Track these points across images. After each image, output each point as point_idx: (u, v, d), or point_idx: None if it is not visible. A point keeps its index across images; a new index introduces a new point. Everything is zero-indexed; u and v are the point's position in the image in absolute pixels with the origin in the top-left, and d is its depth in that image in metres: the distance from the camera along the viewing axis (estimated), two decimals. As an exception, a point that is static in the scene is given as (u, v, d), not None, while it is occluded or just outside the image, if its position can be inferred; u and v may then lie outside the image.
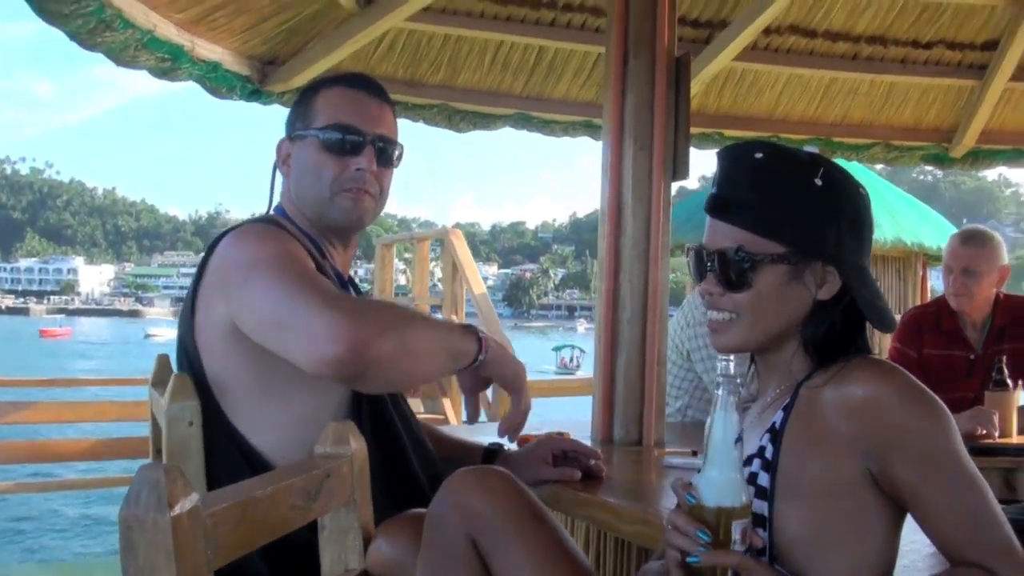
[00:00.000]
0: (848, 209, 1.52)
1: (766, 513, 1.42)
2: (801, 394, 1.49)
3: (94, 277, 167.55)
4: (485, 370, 1.91)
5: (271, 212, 2.14)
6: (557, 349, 51.53)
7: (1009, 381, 3.43)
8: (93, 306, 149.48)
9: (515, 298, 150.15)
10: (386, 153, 2.09)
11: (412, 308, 1.98)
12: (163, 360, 2.32)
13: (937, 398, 1.42)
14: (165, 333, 70.82)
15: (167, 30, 3.50)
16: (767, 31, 4.81)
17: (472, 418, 2.09)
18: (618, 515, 2.04)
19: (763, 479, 1.44)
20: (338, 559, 1.57)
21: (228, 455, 1.86)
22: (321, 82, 2.15)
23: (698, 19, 4.72)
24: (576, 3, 4.56)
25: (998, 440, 3.29)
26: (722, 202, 1.52)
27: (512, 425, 2.00)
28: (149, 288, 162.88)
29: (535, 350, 47.45)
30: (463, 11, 4.48)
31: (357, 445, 1.60)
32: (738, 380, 1.36)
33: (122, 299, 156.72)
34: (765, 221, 1.50)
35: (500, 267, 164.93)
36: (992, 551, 1.37)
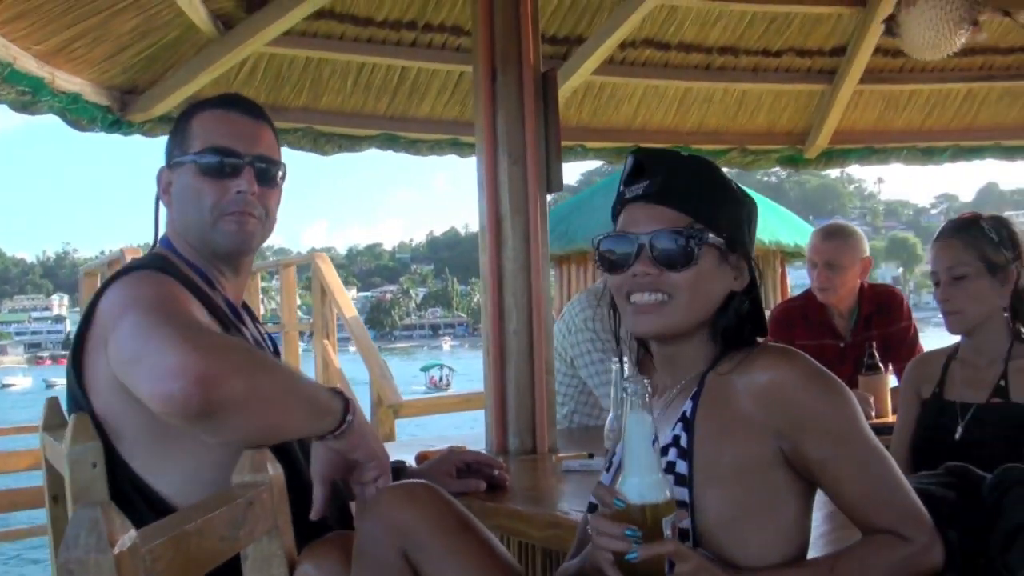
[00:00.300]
0: (753, 211, 1.65)
1: (687, 499, 1.48)
2: (708, 382, 1.57)
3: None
4: (349, 441, 1.74)
5: (157, 245, 2.08)
6: (425, 369, 51.39)
7: (880, 365, 3.63)
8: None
9: (377, 320, 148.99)
10: (268, 173, 2.04)
11: (280, 361, 1.85)
12: (53, 403, 2.25)
13: (838, 379, 1.52)
14: (21, 382, 67.87)
15: (27, 63, 3.40)
16: (623, 45, 4.94)
17: (320, 511, 1.81)
18: (527, 521, 2.10)
19: (681, 467, 1.50)
20: (264, 587, 1.57)
21: (129, 500, 1.80)
22: (196, 105, 2.10)
23: (556, 35, 4.81)
24: (436, 23, 4.59)
25: (875, 420, 3.46)
26: (662, 188, 1.59)
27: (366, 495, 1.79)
28: (1, 335, 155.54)
29: (402, 371, 47.21)
30: (323, 34, 4.46)
31: (274, 471, 1.60)
32: (646, 380, 1.41)
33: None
34: (707, 210, 1.59)
35: (359, 290, 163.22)
36: (902, 517, 1.47)
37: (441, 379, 48.16)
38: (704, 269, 1.58)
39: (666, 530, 1.36)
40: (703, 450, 1.51)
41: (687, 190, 1.60)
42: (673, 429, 1.55)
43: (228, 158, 1.98)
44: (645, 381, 1.41)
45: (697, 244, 1.57)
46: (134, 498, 1.80)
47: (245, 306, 2.19)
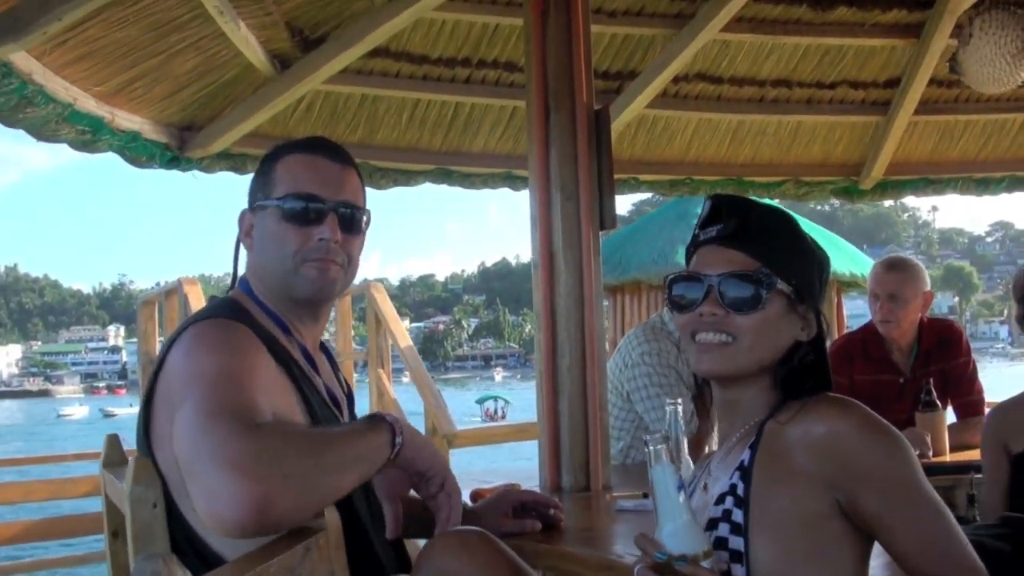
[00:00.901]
0: (825, 265, 1.67)
1: (742, 548, 1.48)
2: (766, 431, 1.57)
3: (1, 359, 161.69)
4: (404, 458, 1.77)
5: (236, 287, 2.07)
6: (480, 401, 51.31)
7: (938, 402, 3.58)
8: (2, 388, 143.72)
9: (430, 351, 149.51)
10: (352, 220, 2.01)
11: (322, 427, 1.79)
12: (113, 440, 2.29)
13: (895, 429, 1.51)
14: (78, 412, 68.96)
15: (87, 103, 3.49)
16: (676, 79, 4.95)
17: (394, 531, 1.92)
18: (582, 563, 2.09)
19: (737, 515, 1.50)
20: (322, 633, 1.57)
21: (184, 554, 1.78)
22: (281, 148, 2.07)
23: (609, 70, 4.85)
24: (490, 60, 4.65)
25: (932, 460, 3.41)
26: (735, 232, 1.62)
27: (451, 519, 1.84)
28: (58, 366, 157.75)
29: (456, 402, 47.21)
30: (379, 72, 4.53)
31: (331, 516, 1.61)
32: (661, 433, 1.47)
33: (31, 379, 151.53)
34: (778, 258, 1.61)
35: (412, 321, 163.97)
36: (957, 570, 1.46)
37: (496, 411, 48.03)
38: (770, 315, 1.59)
39: None
40: (759, 499, 1.52)
41: (760, 236, 1.62)
42: (731, 478, 1.55)
43: (312, 204, 1.95)
44: (660, 433, 1.46)
45: (765, 289, 1.59)
46: (189, 553, 1.78)
47: (324, 347, 2.18)
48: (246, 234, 2.05)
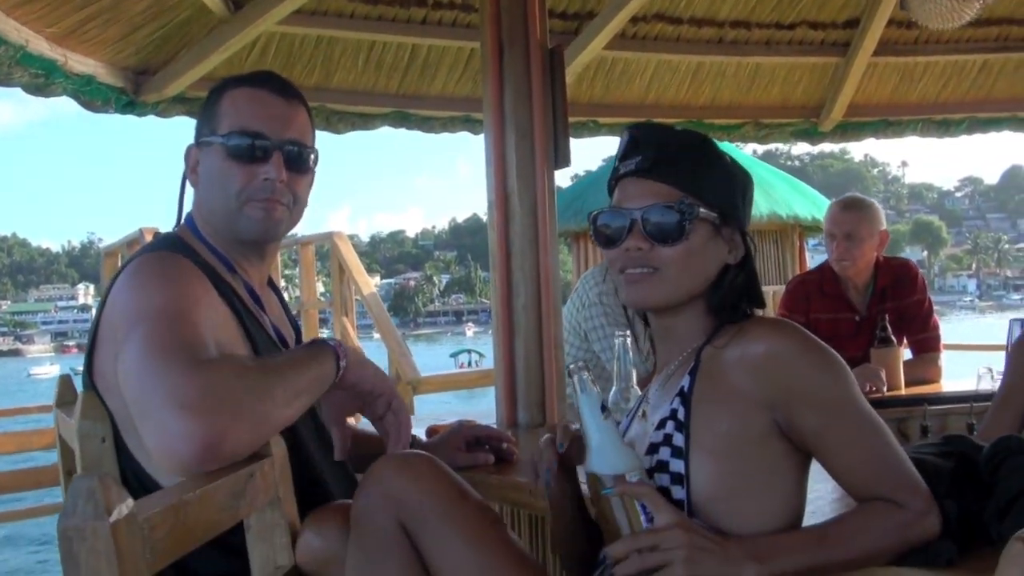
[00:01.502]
0: (748, 184, 1.67)
1: (682, 471, 1.50)
2: (704, 356, 1.59)
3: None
4: (349, 378, 1.77)
5: (182, 224, 2.03)
6: (455, 355, 51.41)
7: (893, 338, 3.63)
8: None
9: (401, 307, 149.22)
10: (299, 158, 1.96)
11: (267, 359, 1.73)
12: (66, 380, 2.29)
13: (831, 350, 1.53)
14: (49, 371, 68.33)
15: (39, 45, 3.43)
16: (634, 20, 4.92)
17: (343, 452, 1.90)
18: (533, 493, 2.10)
19: (678, 439, 1.52)
20: (267, 557, 1.59)
21: (131, 488, 1.73)
22: (227, 82, 2.01)
23: (566, 11, 4.82)
24: (446, 0, 4.60)
25: (887, 394, 3.47)
26: (654, 163, 1.61)
27: (401, 437, 1.84)
28: (28, 325, 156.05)
29: (429, 357, 47.28)
30: (334, 12, 4.48)
31: (276, 445, 1.62)
32: (583, 361, 1.52)
33: (1, 339, 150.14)
34: (698, 184, 1.61)
35: (383, 277, 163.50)
36: (897, 486, 1.48)
37: (471, 364, 48.14)
38: (695, 244, 1.60)
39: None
40: (699, 423, 1.53)
41: (677, 164, 1.61)
42: (671, 403, 1.57)
43: (257, 141, 1.90)
44: (582, 361, 1.51)
45: (687, 220, 1.58)
46: (137, 488, 1.77)
47: (272, 283, 2.16)
48: (192, 170, 2.01)
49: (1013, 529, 1.51)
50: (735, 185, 1.65)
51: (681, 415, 1.55)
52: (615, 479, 1.42)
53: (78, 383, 2.10)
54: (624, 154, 1.65)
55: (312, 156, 2.02)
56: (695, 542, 1.39)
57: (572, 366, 1.49)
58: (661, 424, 1.56)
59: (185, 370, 1.49)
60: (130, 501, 1.12)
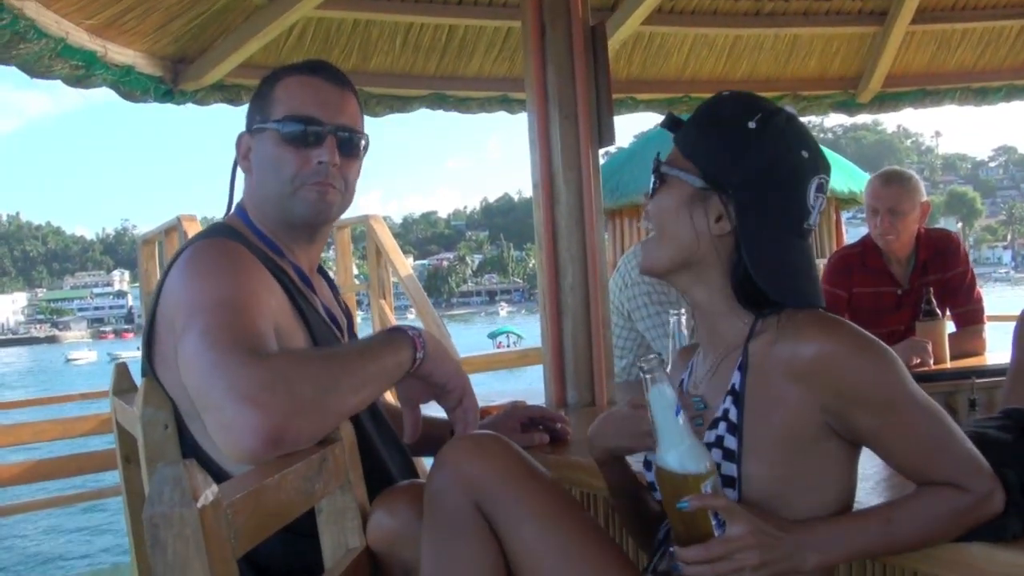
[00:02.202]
0: (766, 156, 1.55)
1: (735, 474, 1.49)
2: (752, 352, 1.55)
3: (6, 306, 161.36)
4: (425, 369, 1.78)
5: (232, 212, 2.06)
6: (493, 336, 51.45)
7: (938, 311, 3.60)
8: (9, 335, 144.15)
9: (435, 288, 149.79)
10: (350, 143, 1.99)
11: (335, 348, 1.89)
12: (122, 368, 2.31)
13: (883, 344, 1.49)
14: (86, 356, 69.17)
15: (79, 37, 3.46)
16: (671, -6, 4.89)
17: (413, 435, 1.92)
18: (588, 471, 2.11)
19: (730, 441, 1.50)
20: (339, 540, 1.61)
21: None
22: (280, 71, 2.04)
23: (604, -13, 4.78)
24: (483, -21, 4.58)
25: (933, 367, 3.44)
26: (675, 120, 1.63)
27: (467, 431, 1.84)
28: (64, 312, 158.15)
29: (466, 338, 47.35)
30: (370, -5, 4.48)
31: (345, 429, 1.64)
32: (657, 357, 1.44)
33: (38, 326, 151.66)
34: (692, 143, 1.59)
35: (416, 258, 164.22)
36: (959, 470, 1.45)
37: (509, 345, 48.14)
38: (668, 199, 1.59)
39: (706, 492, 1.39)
40: (752, 426, 1.51)
41: (687, 124, 1.62)
42: (724, 402, 1.54)
43: (311, 126, 1.94)
44: (656, 357, 1.43)
45: (662, 175, 1.60)
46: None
47: (321, 269, 2.19)
48: (244, 157, 2.04)
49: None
50: (741, 154, 1.55)
51: (734, 416, 1.52)
52: (684, 481, 1.39)
53: (133, 370, 2.12)
54: None
55: (363, 141, 2.04)
56: (764, 544, 1.38)
57: (644, 360, 1.43)
58: (713, 424, 1.54)
59: (246, 362, 1.50)
60: (215, 487, 1.14)
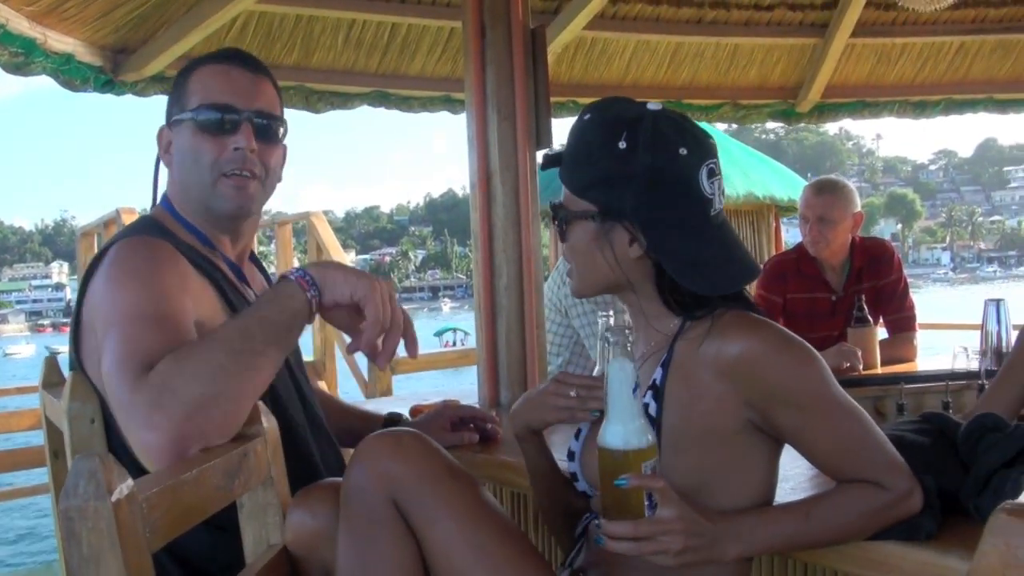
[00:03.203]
0: (646, 171, 1.54)
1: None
2: (677, 349, 1.57)
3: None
4: (328, 300, 1.69)
5: (157, 206, 2.05)
6: (439, 333, 51.04)
7: (869, 318, 3.67)
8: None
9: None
10: (268, 129, 1.98)
11: (219, 329, 1.65)
12: (52, 361, 2.29)
13: (806, 343, 1.53)
14: (24, 350, 67.80)
15: (19, 24, 3.42)
16: (614, 0, 4.94)
17: (386, 358, 1.78)
18: (517, 471, 2.13)
19: None
20: (260, 536, 1.61)
21: (122, 464, 1.78)
22: (195, 61, 2.03)
23: (547, -10, 4.81)
24: (427, -22, 4.58)
25: (863, 372, 3.52)
26: (555, 160, 1.64)
27: (372, 341, 1.72)
28: (2, 304, 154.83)
29: (413, 335, 46.66)
30: (314, -10, 4.46)
31: (268, 423, 1.64)
32: (627, 329, 1.43)
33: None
34: (578, 182, 1.60)
35: (358, 253, 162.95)
36: (879, 469, 1.50)
37: (455, 343, 47.78)
38: (578, 241, 1.62)
39: (647, 472, 1.39)
40: (671, 419, 1.54)
41: (567, 161, 1.62)
42: (644, 396, 1.56)
43: (226, 114, 1.93)
44: (627, 329, 1.43)
45: (566, 221, 1.62)
46: (126, 462, 1.78)
47: (254, 258, 2.18)
48: (165, 151, 2.03)
49: (990, 504, 1.55)
50: (622, 178, 1.55)
51: (652, 410, 1.55)
52: (625, 457, 1.39)
53: (61, 363, 2.10)
54: None
55: (281, 128, 2.04)
56: (689, 531, 1.41)
57: (610, 329, 1.41)
58: None
59: (133, 385, 1.50)
60: (130, 481, 1.14)
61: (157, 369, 1.51)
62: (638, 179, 1.53)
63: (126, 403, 1.50)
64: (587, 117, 1.61)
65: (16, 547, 11.11)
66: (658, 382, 1.57)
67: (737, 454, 1.54)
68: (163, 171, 2.09)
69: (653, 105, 1.59)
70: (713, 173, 1.57)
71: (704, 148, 1.57)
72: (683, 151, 1.54)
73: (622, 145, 1.54)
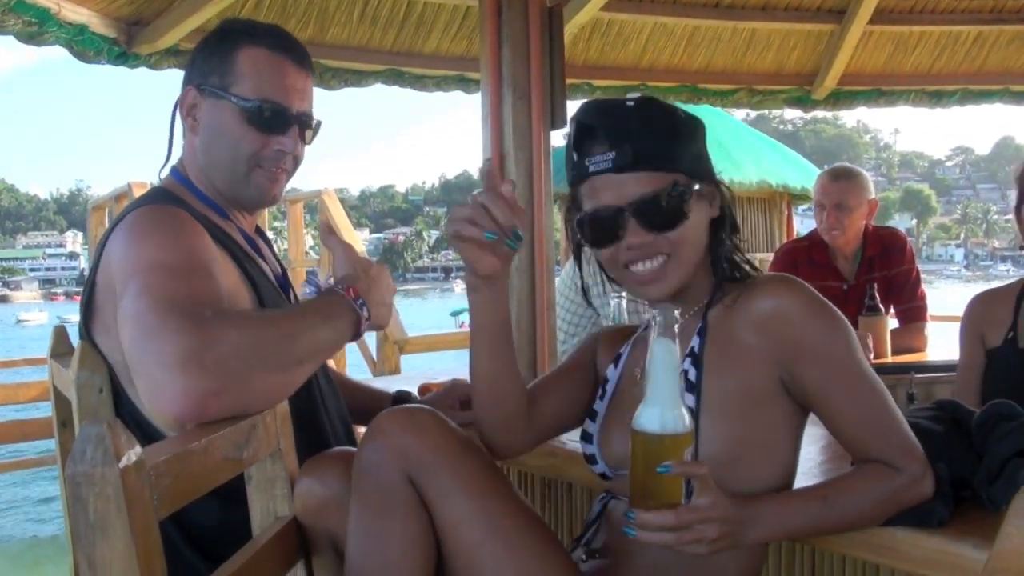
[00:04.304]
0: (704, 135, 1.66)
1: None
2: (711, 317, 1.60)
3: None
4: (372, 325, 1.78)
5: (168, 176, 2.02)
6: (456, 313, 50.93)
7: (881, 306, 3.66)
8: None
9: (390, 262, 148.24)
10: (308, 129, 2.02)
11: (274, 318, 1.69)
12: (60, 331, 2.29)
13: (836, 308, 1.55)
14: (37, 317, 68.06)
15: (33, -8, 3.40)
16: (631, -20, 4.90)
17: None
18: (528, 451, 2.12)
19: (689, 399, 1.53)
20: (267, 508, 1.60)
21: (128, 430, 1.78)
22: (242, 34, 1.96)
23: (565, -30, 4.77)
24: (443, -45, 4.55)
25: (874, 361, 3.50)
26: (632, 154, 1.55)
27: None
28: (15, 272, 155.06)
29: (420, 313, 46.95)
30: (330, -35, 4.43)
31: (278, 398, 1.63)
32: (677, 311, 1.38)
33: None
34: (675, 158, 1.58)
35: (372, 232, 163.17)
36: (894, 448, 1.51)
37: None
38: (695, 218, 1.60)
39: (687, 458, 1.36)
40: (711, 385, 1.55)
41: (652, 146, 1.56)
42: (683, 363, 1.57)
43: (278, 113, 1.93)
44: (677, 311, 1.38)
45: (686, 200, 1.57)
46: (135, 433, 1.77)
47: (259, 231, 2.17)
48: (188, 114, 1.98)
49: (1003, 492, 1.54)
50: (698, 140, 1.64)
51: (692, 376, 1.56)
52: (662, 442, 1.35)
53: (71, 332, 2.10)
54: (589, 148, 1.59)
55: (316, 128, 2.05)
56: (723, 518, 1.40)
57: (661, 313, 1.36)
58: None
59: (178, 327, 1.47)
60: (138, 448, 1.13)
61: (209, 324, 1.49)
62: (703, 140, 1.65)
63: (161, 343, 1.45)
64: (633, 105, 1.59)
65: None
66: (696, 349, 1.58)
67: (770, 420, 1.56)
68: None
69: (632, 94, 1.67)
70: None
71: None
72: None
73: (682, 115, 1.61)
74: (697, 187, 1.59)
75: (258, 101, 1.91)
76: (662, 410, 1.35)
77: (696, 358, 1.58)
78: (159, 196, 1.93)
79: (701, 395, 1.54)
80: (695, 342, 1.59)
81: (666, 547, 1.39)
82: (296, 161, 2.02)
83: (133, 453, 1.12)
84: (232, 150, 1.93)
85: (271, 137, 1.94)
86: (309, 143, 2.05)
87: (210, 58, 1.96)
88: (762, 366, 1.54)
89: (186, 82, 1.99)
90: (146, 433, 1.78)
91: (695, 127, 1.63)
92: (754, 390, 1.54)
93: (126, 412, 1.82)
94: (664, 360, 1.37)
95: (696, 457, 1.48)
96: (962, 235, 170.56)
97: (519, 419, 1.78)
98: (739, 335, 1.55)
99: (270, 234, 2.61)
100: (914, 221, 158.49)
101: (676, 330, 1.37)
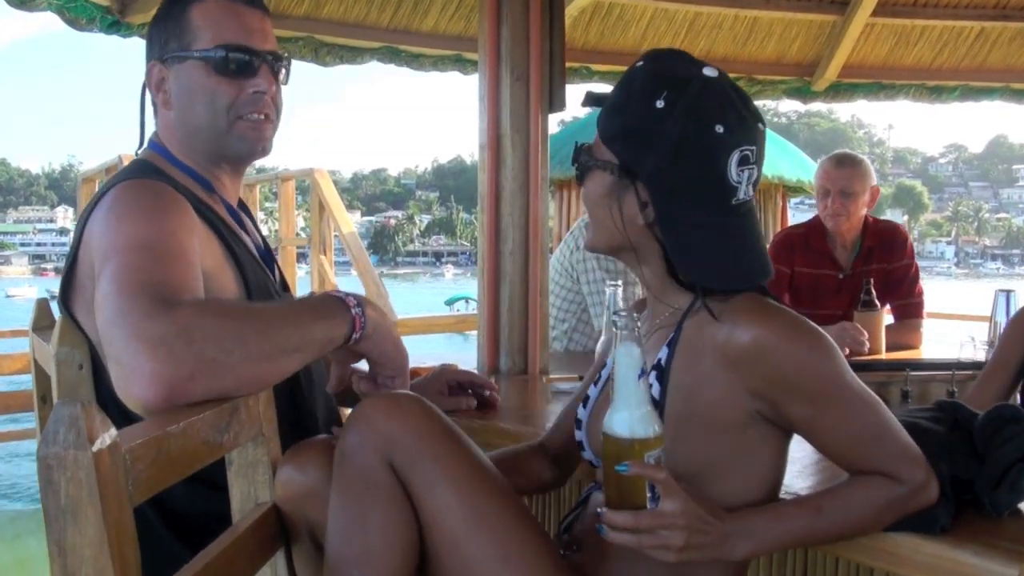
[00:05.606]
0: (675, 137, 1.47)
1: None
2: (686, 327, 1.51)
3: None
4: (362, 347, 1.70)
5: (146, 147, 1.97)
6: (451, 302, 50.72)
7: (877, 302, 3.62)
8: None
9: (380, 245, 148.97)
10: (279, 70, 1.95)
11: (261, 305, 1.65)
12: (43, 304, 2.24)
13: (818, 330, 1.45)
14: (27, 292, 67.78)
15: (24, -43, 3.33)
16: (633, -36, 4.85)
17: (336, 387, 1.83)
18: (515, 439, 2.09)
19: None
20: (248, 493, 1.56)
21: (109, 412, 1.74)
22: None
23: (566, -48, 4.71)
24: (443, -69, 4.49)
25: (868, 357, 3.46)
26: (596, 100, 1.58)
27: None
28: (6, 246, 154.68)
29: (413, 300, 46.81)
30: (327, -62, 4.37)
31: (262, 382, 1.58)
32: (635, 315, 1.36)
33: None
34: (608, 129, 1.54)
35: (364, 214, 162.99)
36: (894, 460, 1.45)
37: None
38: (592, 189, 1.57)
39: (650, 463, 1.33)
40: (674, 403, 1.48)
41: (606, 105, 1.56)
42: (649, 375, 1.48)
43: (245, 56, 1.87)
44: (635, 315, 1.36)
45: (584, 166, 1.58)
46: (114, 414, 1.73)
47: (242, 205, 2.11)
48: (157, 89, 1.94)
49: (1006, 499, 1.51)
50: (650, 138, 1.48)
51: (656, 392, 1.49)
52: (631, 446, 1.33)
53: (55, 307, 2.05)
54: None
55: (287, 67, 2.00)
56: (694, 527, 1.35)
57: (618, 317, 1.34)
58: None
59: (150, 311, 1.42)
60: (113, 431, 1.09)
61: (184, 308, 1.44)
62: (665, 143, 1.46)
63: (132, 327, 1.41)
64: (640, 64, 1.54)
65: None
66: (663, 362, 1.51)
67: (744, 445, 1.49)
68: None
69: (710, 70, 1.50)
70: (746, 160, 1.48)
71: (744, 132, 1.48)
72: (719, 128, 1.46)
73: (660, 104, 1.47)
74: (597, 163, 1.56)
75: (221, 48, 1.86)
76: (628, 413, 1.34)
77: (662, 372, 1.50)
78: (141, 169, 1.87)
79: (664, 414, 1.47)
80: (663, 353, 1.52)
81: (632, 549, 1.36)
82: (276, 105, 1.95)
83: (107, 436, 1.07)
84: (209, 106, 1.88)
85: (244, 81, 1.88)
86: (285, 83, 1.99)
87: (164, 26, 1.92)
88: (737, 397, 1.45)
89: (148, 60, 1.95)
90: (125, 414, 1.73)
91: (655, 117, 1.47)
92: (722, 419, 1.46)
93: (106, 392, 1.77)
94: (627, 363, 1.35)
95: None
96: (953, 232, 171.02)
97: (550, 471, 1.88)
98: (711, 360, 1.46)
99: (261, 215, 2.55)
100: (905, 217, 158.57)
101: (637, 332, 1.35)
